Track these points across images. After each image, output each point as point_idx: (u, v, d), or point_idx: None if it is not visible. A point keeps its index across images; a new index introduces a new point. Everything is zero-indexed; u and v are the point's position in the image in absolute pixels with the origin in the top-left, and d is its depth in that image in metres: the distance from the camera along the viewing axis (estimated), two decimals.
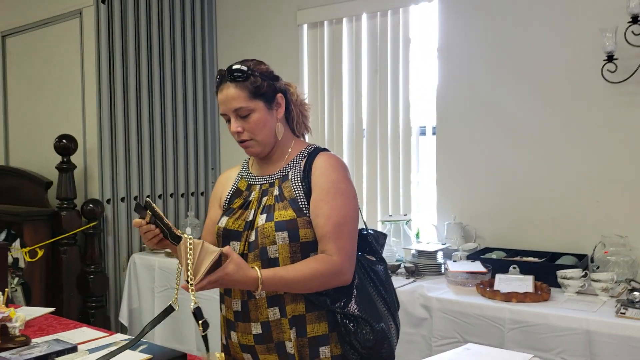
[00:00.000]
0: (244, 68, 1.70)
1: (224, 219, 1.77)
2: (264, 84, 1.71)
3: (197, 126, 4.41)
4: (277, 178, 1.76)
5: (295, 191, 1.71)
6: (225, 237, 1.74)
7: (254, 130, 1.70)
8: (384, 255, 1.91)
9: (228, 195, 1.83)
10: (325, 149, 1.80)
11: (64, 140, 3.64)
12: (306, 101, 1.87)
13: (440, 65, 3.46)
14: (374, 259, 1.83)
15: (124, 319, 3.81)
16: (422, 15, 3.58)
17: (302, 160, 1.76)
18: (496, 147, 3.28)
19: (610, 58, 2.77)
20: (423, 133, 3.65)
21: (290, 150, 1.79)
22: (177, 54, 4.26)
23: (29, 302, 3.55)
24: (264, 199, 1.74)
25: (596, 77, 2.86)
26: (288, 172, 1.76)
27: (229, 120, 1.72)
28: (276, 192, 1.74)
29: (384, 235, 2.00)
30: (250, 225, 1.71)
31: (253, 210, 1.73)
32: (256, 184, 1.80)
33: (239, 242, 1.71)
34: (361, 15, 3.75)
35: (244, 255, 1.69)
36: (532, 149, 3.17)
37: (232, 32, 4.44)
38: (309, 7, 3.96)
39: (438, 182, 3.51)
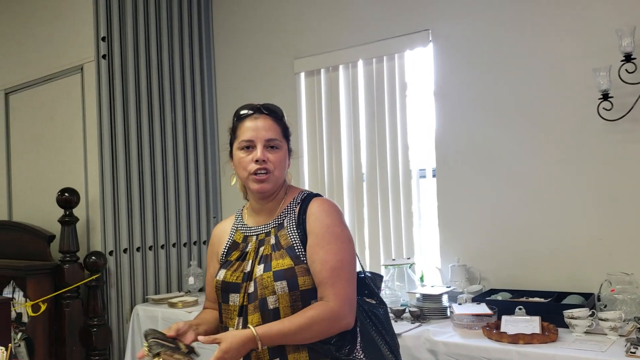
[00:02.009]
0: (281, 110, 1.80)
1: (222, 272, 1.77)
2: (289, 131, 1.81)
3: (199, 175, 4.44)
4: (273, 227, 1.77)
5: (291, 239, 1.71)
6: (224, 290, 1.74)
7: (277, 164, 1.74)
8: (387, 299, 1.91)
9: (225, 248, 1.83)
10: (318, 194, 1.82)
11: (66, 194, 3.66)
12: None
13: (437, 108, 3.49)
14: (373, 302, 1.82)
15: None
16: (418, 60, 3.63)
17: (296, 207, 1.77)
18: (496, 187, 3.29)
19: (605, 96, 2.80)
20: (423, 175, 3.66)
21: (285, 196, 1.81)
22: (177, 105, 4.32)
23: (32, 357, 3.51)
24: (261, 249, 1.74)
25: (593, 115, 2.89)
26: (283, 220, 1.77)
27: (249, 148, 1.72)
28: (272, 240, 1.74)
29: (380, 277, 2.02)
30: (249, 276, 1.71)
31: (250, 261, 1.73)
32: (252, 235, 1.80)
33: (238, 294, 1.70)
34: (357, 62, 3.81)
35: (243, 307, 1.69)
36: (532, 188, 3.18)
37: (231, 81, 4.51)
38: (305, 55, 4.04)
39: (440, 225, 3.51)
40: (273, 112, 1.76)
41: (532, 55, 3.17)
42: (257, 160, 1.70)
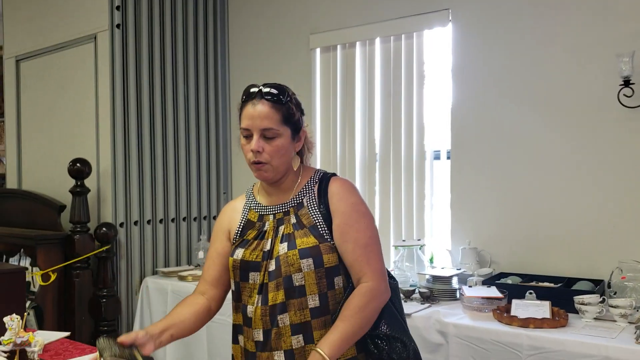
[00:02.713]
0: (284, 92, 1.71)
1: (240, 251, 1.76)
2: (296, 114, 1.74)
3: (210, 150, 4.43)
4: (292, 206, 1.76)
5: (314, 218, 1.72)
6: (243, 268, 1.74)
7: (274, 154, 1.69)
8: (397, 279, 1.94)
9: (239, 227, 1.82)
10: (334, 174, 1.82)
11: (77, 164, 3.66)
12: (313, 140, 1.91)
13: (454, 89, 3.47)
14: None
15: None
16: (436, 39, 3.59)
17: (314, 187, 1.78)
18: (511, 171, 3.28)
19: (626, 83, 2.78)
20: (437, 157, 3.64)
21: (300, 178, 1.80)
22: (190, 77, 4.30)
23: (41, 326, 3.54)
24: (281, 227, 1.74)
25: (612, 101, 2.86)
26: (302, 199, 1.76)
27: (248, 136, 1.70)
28: (293, 220, 1.74)
29: None
30: (269, 254, 1.71)
31: (270, 240, 1.73)
32: (269, 214, 1.79)
33: (258, 273, 1.71)
34: (374, 40, 3.77)
35: (264, 285, 1.70)
36: (548, 172, 3.16)
37: (245, 55, 4.48)
38: (321, 31, 4.00)
39: (452, 207, 3.50)
40: (274, 96, 1.68)
41: (554, 38, 3.13)
42: (252, 151, 1.69)
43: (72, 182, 3.69)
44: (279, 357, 1.67)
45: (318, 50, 4.04)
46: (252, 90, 1.71)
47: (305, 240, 1.69)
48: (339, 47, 3.93)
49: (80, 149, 3.98)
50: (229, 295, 1.85)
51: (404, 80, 3.67)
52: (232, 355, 1.84)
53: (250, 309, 1.72)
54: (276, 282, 1.68)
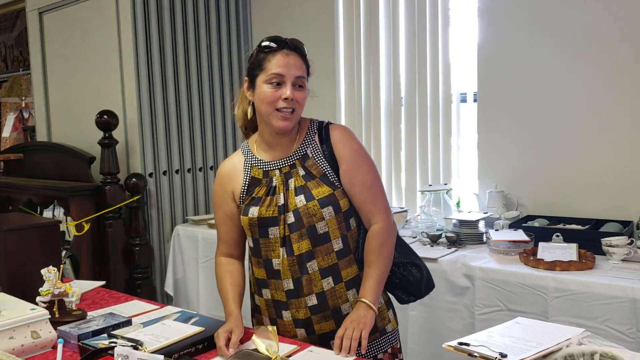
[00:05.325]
0: (304, 48, 1.79)
1: (254, 209, 1.77)
2: (310, 70, 1.80)
3: (235, 97, 4.42)
4: (297, 159, 1.80)
5: (322, 167, 1.78)
6: (261, 225, 1.77)
7: (301, 102, 1.76)
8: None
9: (244, 186, 1.83)
10: (329, 122, 1.88)
11: (105, 116, 3.70)
12: None
13: (481, 29, 3.39)
14: None
15: (169, 288, 3.91)
16: None
17: (314, 137, 1.82)
18: (538, 112, 3.22)
19: None
20: (464, 100, 3.59)
21: (299, 130, 1.83)
22: (212, 27, 4.26)
23: (77, 275, 3.66)
24: (290, 181, 1.77)
25: None
26: (305, 150, 1.80)
27: (278, 83, 1.71)
28: (302, 172, 1.78)
29: None
30: (285, 208, 1.75)
31: (282, 194, 1.76)
32: (274, 169, 1.81)
33: (277, 227, 1.75)
34: None
35: (286, 238, 1.74)
36: (577, 114, 3.11)
37: (267, 2, 4.40)
38: None
39: (479, 149, 3.48)
40: (301, 50, 1.75)
41: None
42: (285, 99, 1.70)
43: (100, 134, 3.74)
44: (311, 300, 1.76)
45: None
46: (277, 40, 1.74)
47: (321, 190, 1.75)
48: None
49: (106, 100, 4.00)
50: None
51: (429, 20, 3.58)
52: (257, 307, 1.89)
53: (276, 261, 1.77)
54: (299, 233, 1.73)
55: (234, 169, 1.87)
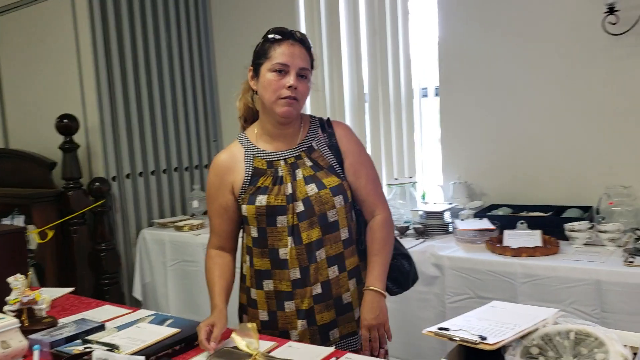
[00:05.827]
0: (309, 41, 1.83)
1: (262, 197, 1.77)
2: (314, 64, 1.83)
3: (196, 98, 4.39)
4: (303, 150, 1.83)
5: (328, 159, 1.84)
6: (269, 214, 1.77)
7: (305, 93, 1.79)
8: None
9: (247, 176, 1.82)
10: (328, 117, 1.95)
11: (65, 120, 3.62)
12: None
13: (441, 21, 3.43)
14: None
15: (137, 294, 3.86)
16: None
17: (317, 130, 1.87)
18: (498, 105, 3.29)
19: (611, 10, 2.76)
20: (425, 95, 3.64)
21: (302, 123, 1.88)
22: (172, 23, 4.21)
23: (42, 283, 3.58)
24: (297, 171, 1.80)
25: (597, 29, 2.86)
26: (310, 142, 1.85)
27: (279, 71, 1.73)
28: (309, 163, 1.82)
29: None
30: (293, 197, 1.77)
31: (289, 184, 1.78)
32: (279, 160, 1.82)
33: (285, 216, 1.76)
34: None
35: (295, 226, 1.76)
36: (534, 104, 3.18)
37: None
38: None
39: (442, 142, 3.53)
40: (305, 43, 1.80)
41: None
42: (290, 87, 1.72)
43: (60, 138, 3.67)
44: (316, 289, 1.78)
45: None
46: (286, 31, 1.78)
47: (330, 180, 1.80)
48: None
49: (66, 104, 3.91)
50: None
51: (389, 17, 3.62)
52: (253, 301, 1.86)
53: (283, 251, 1.77)
54: (309, 221, 1.76)
55: (234, 160, 1.86)
